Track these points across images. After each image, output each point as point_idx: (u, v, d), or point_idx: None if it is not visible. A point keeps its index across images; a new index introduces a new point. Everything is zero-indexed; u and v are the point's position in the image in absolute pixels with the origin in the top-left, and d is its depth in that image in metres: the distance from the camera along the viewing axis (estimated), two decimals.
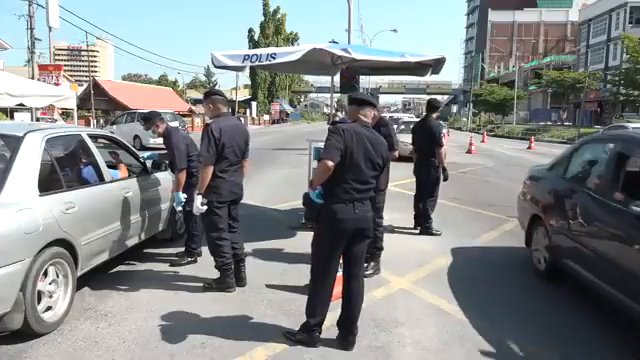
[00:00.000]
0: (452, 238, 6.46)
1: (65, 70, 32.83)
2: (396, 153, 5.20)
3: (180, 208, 4.91)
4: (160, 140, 5.24)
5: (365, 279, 4.68)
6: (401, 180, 10.40)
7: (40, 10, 23.18)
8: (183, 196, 4.75)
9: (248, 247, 5.64)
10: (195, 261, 5.18)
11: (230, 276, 4.40)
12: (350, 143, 3.16)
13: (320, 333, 3.43)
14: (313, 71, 8.47)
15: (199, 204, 4.17)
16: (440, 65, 6.61)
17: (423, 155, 6.67)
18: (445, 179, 6.75)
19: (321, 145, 5.01)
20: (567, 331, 3.77)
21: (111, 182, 4.60)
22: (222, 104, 4.46)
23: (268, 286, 4.52)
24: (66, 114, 25.12)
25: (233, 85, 60.75)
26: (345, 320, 3.42)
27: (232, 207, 4.50)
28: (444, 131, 8.79)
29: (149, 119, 5.17)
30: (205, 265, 5.08)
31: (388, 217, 6.99)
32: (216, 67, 6.20)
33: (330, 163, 3.08)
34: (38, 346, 3.31)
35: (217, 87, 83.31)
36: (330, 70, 7.42)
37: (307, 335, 3.42)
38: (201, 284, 4.47)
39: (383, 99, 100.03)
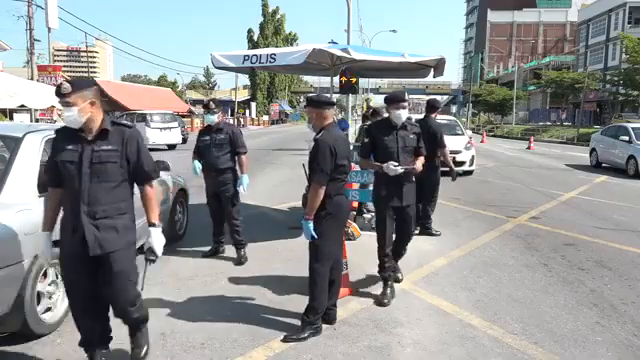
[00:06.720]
0: (452, 238, 6.46)
1: (64, 71, 32.82)
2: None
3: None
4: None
5: (364, 279, 4.74)
6: None
7: (39, 11, 23.18)
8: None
9: (248, 247, 5.64)
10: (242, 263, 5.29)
11: None
12: (338, 154, 3.44)
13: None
14: (313, 72, 8.47)
15: None
16: (441, 66, 6.61)
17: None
18: (449, 180, 6.85)
19: None
20: (568, 331, 3.77)
21: None
22: None
23: (268, 286, 4.52)
24: None
25: (232, 86, 60.75)
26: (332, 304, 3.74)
27: None
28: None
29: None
30: (204, 266, 5.09)
31: None
32: (216, 68, 6.21)
33: (323, 188, 3.41)
34: (37, 347, 3.31)
35: (216, 88, 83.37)
36: (330, 71, 7.42)
37: (315, 330, 3.53)
38: (199, 283, 4.46)
39: (382, 99, 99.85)
